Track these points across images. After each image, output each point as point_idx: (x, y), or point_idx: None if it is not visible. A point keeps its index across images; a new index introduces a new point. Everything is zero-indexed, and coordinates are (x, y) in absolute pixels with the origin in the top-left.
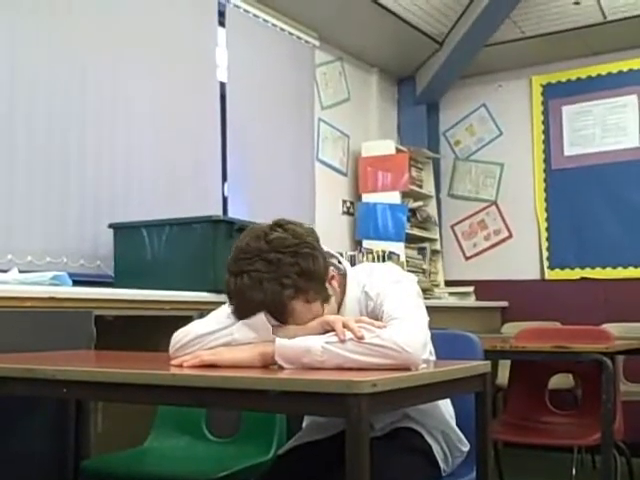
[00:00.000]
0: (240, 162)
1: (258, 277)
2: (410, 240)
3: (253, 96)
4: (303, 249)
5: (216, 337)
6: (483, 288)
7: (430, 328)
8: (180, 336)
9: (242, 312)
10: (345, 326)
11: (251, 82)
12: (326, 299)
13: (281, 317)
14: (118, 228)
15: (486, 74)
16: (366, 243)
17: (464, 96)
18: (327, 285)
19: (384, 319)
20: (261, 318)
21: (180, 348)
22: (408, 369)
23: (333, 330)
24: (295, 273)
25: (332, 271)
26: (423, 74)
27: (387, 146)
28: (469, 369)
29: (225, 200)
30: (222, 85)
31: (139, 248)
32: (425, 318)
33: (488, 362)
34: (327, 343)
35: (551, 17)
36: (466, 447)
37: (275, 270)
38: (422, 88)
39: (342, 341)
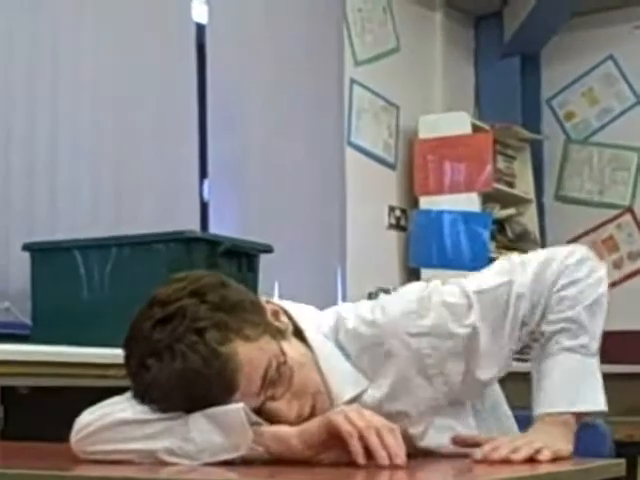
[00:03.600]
0: (228, 149)
1: (163, 346)
2: None
3: (247, 46)
4: (202, 283)
5: (156, 430)
6: (613, 344)
7: (523, 406)
8: (91, 418)
9: (176, 405)
10: (379, 435)
11: (244, 24)
12: (279, 333)
13: (231, 382)
14: (38, 251)
15: (614, 10)
16: (426, 273)
17: (579, 44)
18: (271, 320)
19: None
20: (236, 412)
21: (90, 436)
22: None
23: (341, 439)
24: (207, 310)
25: (267, 303)
26: (514, 10)
27: (459, 122)
28: (592, 471)
29: (205, 207)
30: (200, 29)
31: (71, 281)
32: None
33: (622, 460)
34: None
35: None
36: None
37: (179, 324)
38: (513, 32)
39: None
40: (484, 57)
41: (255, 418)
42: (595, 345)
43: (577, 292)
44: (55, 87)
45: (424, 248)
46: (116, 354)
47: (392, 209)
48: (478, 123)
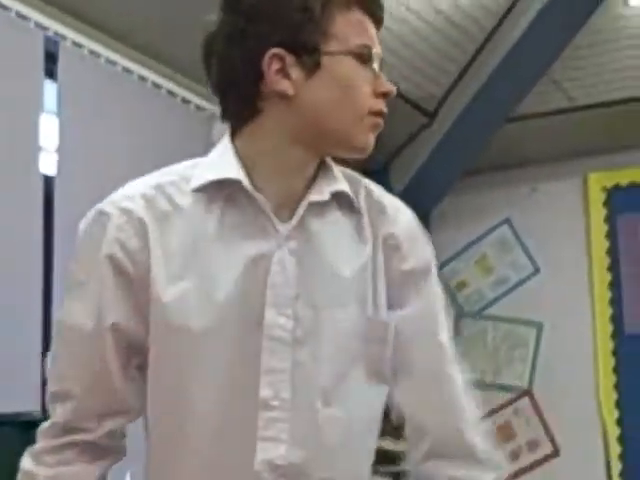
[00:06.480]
0: None
1: None
2: (379, 462)
3: (96, 196)
4: None
5: None
6: None
7: None
8: None
9: None
10: None
11: (101, 175)
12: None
13: None
14: None
15: (511, 169)
16: None
17: (473, 206)
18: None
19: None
20: None
21: None
22: None
23: None
24: None
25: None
26: (402, 166)
27: None
28: None
29: (46, 385)
30: (48, 181)
31: None
32: None
33: None
34: None
35: (620, 74)
36: None
37: None
38: (401, 190)
39: None
40: None
41: None
42: None
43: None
44: None
45: None
46: None
47: None
48: None
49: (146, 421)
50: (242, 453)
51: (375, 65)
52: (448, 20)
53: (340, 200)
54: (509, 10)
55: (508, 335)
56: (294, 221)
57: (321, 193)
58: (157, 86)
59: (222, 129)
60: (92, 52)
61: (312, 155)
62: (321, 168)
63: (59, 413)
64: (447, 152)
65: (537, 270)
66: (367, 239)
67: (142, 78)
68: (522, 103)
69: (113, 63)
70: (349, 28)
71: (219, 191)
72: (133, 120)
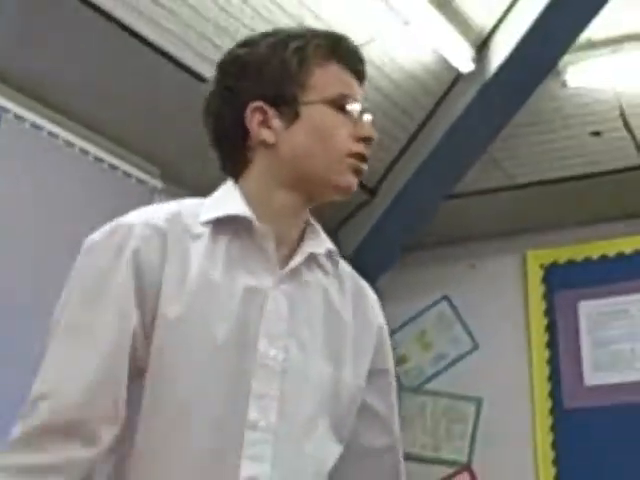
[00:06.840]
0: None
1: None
2: None
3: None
4: None
5: None
6: None
7: None
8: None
9: None
10: None
11: (42, 246)
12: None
13: None
14: None
15: (450, 245)
16: None
17: (412, 281)
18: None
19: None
20: None
21: None
22: None
23: None
24: None
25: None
26: (343, 242)
27: None
28: None
29: None
30: None
31: None
32: None
33: None
34: None
35: (559, 154)
36: None
37: None
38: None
39: None
40: None
41: None
42: None
43: None
44: None
45: None
46: None
47: None
48: None
49: (126, 435)
50: (227, 470)
51: (354, 111)
52: (388, 99)
53: (326, 258)
54: (449, 90)
55: (448, 410)
56: (290, 267)
57: (315, 246)
58: (99, 159)
59: (164, 202)
60: (34, 125)
61: (300, 199)
62: (308, 224)
63: (48, 411)
64: (388, 228)
65: (476, 346)
66: (348, 304)
67: (83, 151)
68: (462, 181)
69: (55, 136)
70: (326, 79)
71: (227, 225)
72: (75, 193)
